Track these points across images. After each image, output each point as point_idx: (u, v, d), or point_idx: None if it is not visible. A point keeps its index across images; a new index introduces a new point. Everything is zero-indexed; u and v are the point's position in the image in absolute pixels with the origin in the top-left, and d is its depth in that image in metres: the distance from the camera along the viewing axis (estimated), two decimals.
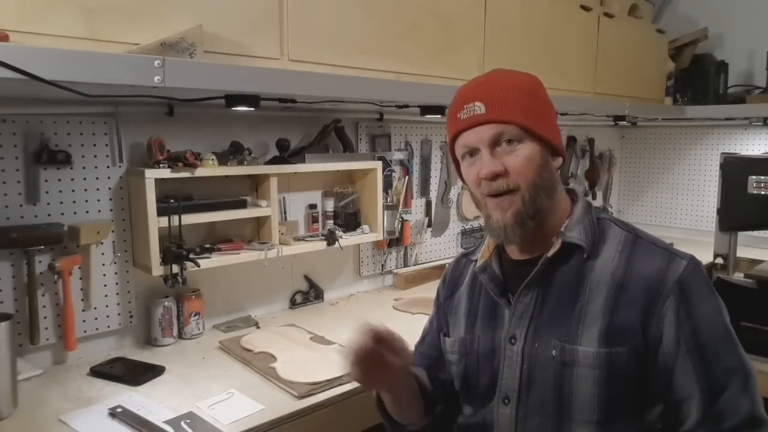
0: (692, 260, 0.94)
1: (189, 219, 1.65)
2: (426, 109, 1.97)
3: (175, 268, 1.60)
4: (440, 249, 2.60)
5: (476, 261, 1.10)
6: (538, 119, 0.96)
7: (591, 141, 3.35)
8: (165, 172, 1.58)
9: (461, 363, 1.08)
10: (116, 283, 1.66)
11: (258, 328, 1.86)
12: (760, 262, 2.36)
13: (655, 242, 0.99)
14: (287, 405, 1.33)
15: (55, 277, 1.51)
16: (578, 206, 1.02)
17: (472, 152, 0.98)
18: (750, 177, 2.09)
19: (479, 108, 0.95)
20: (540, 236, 0.99)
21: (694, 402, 0.90)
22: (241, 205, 1.80)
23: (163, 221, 1.59)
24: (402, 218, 2.32)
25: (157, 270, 1.58)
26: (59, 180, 1.54)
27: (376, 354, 0.93)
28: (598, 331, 0.93)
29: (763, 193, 2.07)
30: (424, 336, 1.23)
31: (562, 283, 0.98)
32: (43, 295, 1.52)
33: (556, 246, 0.97)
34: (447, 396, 1.14)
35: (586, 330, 0.93)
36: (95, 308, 1.62)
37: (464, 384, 1.09)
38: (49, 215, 1.53)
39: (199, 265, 1.64)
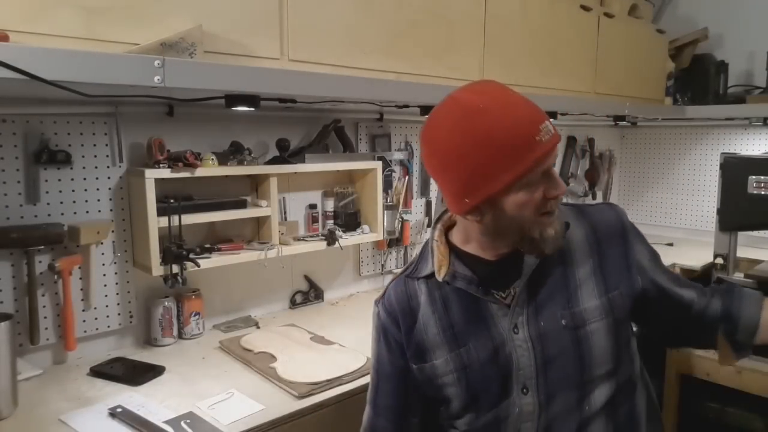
0: (603, 202, 1.12)
1: (189, 219, 1.65)
2: (426, 109, 1.97)
3: (175, 268, 1.60)
4: None
5: (428, 276, 1.06)
6: None
7: (591, 141, 3.35)
8: (165, 172, 1.58)
9: (462, 380, 1.03)
10: (116, 283, 1.66)
11: (258, 328, 1.86)
12: (760, 262, 2.36)
13: (588, 204, 1.16)
14: (287, 405, 1.33)
15: (55, 277, 1.51)
16: None
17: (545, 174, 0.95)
18: (750, 177, 2.09)
19: (552, 127, 0.92)
20: None
21: (683, 290, 1.10)
22: (241, 205, 1.80)
23: (163, 221, 1.59)
24: (402, 218, 2.32)
25: (157, 270, 1.58)
26: (59, 180, 1.54)
27: None
28: (594, 287, 1.03)
29: (763, 193, 2.07)
30: (376, 389, 1.13)
31: (547, 261, 1.02)
32: (43, 295, 1.52)
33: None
34: None
35: (584, 290, 1.02)
36: (95, 308, 1.62)
37: (471, 396, 1.04)
38: (49, 215, 1.53)
39: (199, 265, 1.64)
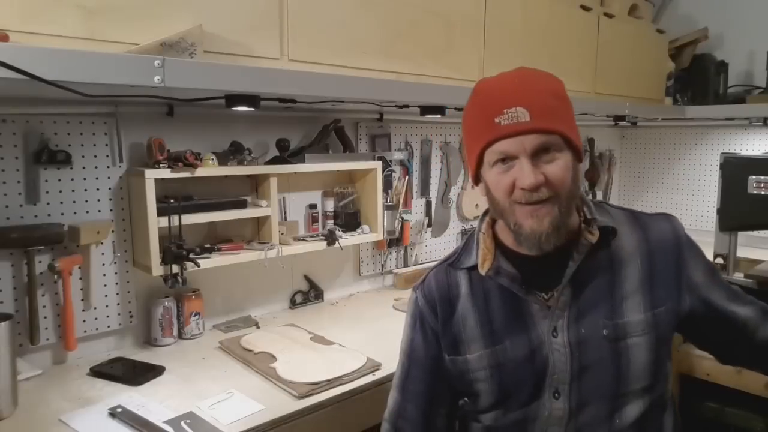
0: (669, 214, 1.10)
1: (189, 219, 1.65)
2: (426, 109, 1.97)
3: (175, 268, 1.60)
4: (440, 249, 2.60)
5: (471, 268, 1.06)
6: (572, 127, 0.95)
7: (591, 141, 3.35)
8: (165, 172, 1.58)
9: (494, 377, 1.02)
10: (116, 283, 1.66)
11: (258, 328, 1.86)
12: (760, 262, 2.36)
13: (644, 213, 1.09)
14: (287, 405, 1.33)
15: (55, 277, 1.51)
16: (584, 199, 1.05)
17: (506, 159, 0.93)
18: (750, 177, 2.09)
19: (523, 115, 0.89)
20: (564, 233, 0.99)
21: (740, 305, 1.05)
22: (241, 205, 1.80)
23: (163, 221, 1.59)
24: (402, 218, 2.32)
25: (157, 270, 1.58)
26: (59, 180, 1.54)
27: None
28: (641, 300, 0.99)
29: (763, 193, 2.07)
30: (406, 374, 1.11)
31: (594, 266, 1.00)
32: (43, 295, 1.52)
33: (595, 232, 0.99)
34: None
35: (630, 302, 0.99)
36: (95, 308, 1.62)
37: (502, 394, 1.03)
38: (49, 215, 1.53)
39: (199, 265, 1.64)
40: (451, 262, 1.10)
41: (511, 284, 1.01)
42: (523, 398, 1.01)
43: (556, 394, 0.99)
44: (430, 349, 1.09)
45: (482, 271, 1.03)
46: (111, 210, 1.63)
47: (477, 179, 1.01)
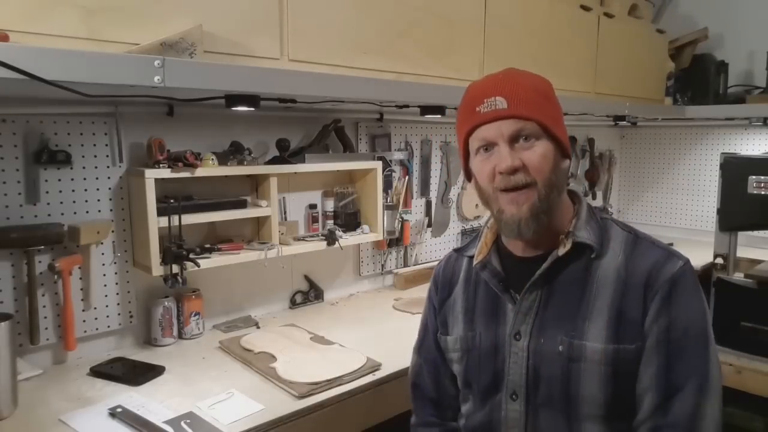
0: (688, 262, 0.97)
1: (189, 219, 1.65)
2: (426, 109, 1.97)
3: (175, 268, 1.60)
4: (440, 249, 2.60)
5: (471, 257, 1.11)
6: (554, 119, 0.98)
7: (591, 141, 3.35)
8: (165, 172, 1.58)
9: (463, 360, 1.09)
10: (116, 283, 1.66)
11: (258, 328, 1.86)
12: (760, 262, 2.36)
13: (654, 242, 1.01)
14: (287, 405, 1.33)
15: (55, 277, 1.51)
16: (583, 207, 1.04)
17: (488, 146, 0.97)
18: (750, 177, 2.09)
19: (501, 103, 0.95)
20: (545, 234, 0.99)
21: (649, 395, 0.92)
22: (241, 205, 1.80)
23: (163, 221, 1.59)
24: (402, 218, 2.32)
25: (157, 270, 1.58)
26: (59, 180, 1.54)
27: None
28: (604, 326, 0.94)
29: (763, 193, 2.07)
30: (422, 341, 1.22)
31: (568, 280, 0.99)
32: (43, 295, 1.52)
33: (567, 245, 0.98)
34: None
35: (592, 325, 0.95)
36: (95, 308, 1.62)
37: (466, 381, 1.09)
38: (49, 215, 1.53)
39: (199, 265, 1.64)
40: (459, 248, 1.19)
41: (491, 279, 1.06)
42: (482, 389, 1.05)
43: (514, 396, 1.01)
44: (434, 321, 1.19)
45: (474, 263, 1.09)
46: (111, 210, 1.63)
47: (468, 173, 1.05)
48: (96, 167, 1.60)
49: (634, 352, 0.93)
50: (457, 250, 1.19)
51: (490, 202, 1.00)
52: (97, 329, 1.63)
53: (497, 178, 0.96)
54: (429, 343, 1.19)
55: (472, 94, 0.99)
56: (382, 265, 2.38)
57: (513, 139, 0.95)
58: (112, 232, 1.63)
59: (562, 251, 0.98)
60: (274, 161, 1.89)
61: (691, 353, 0.92)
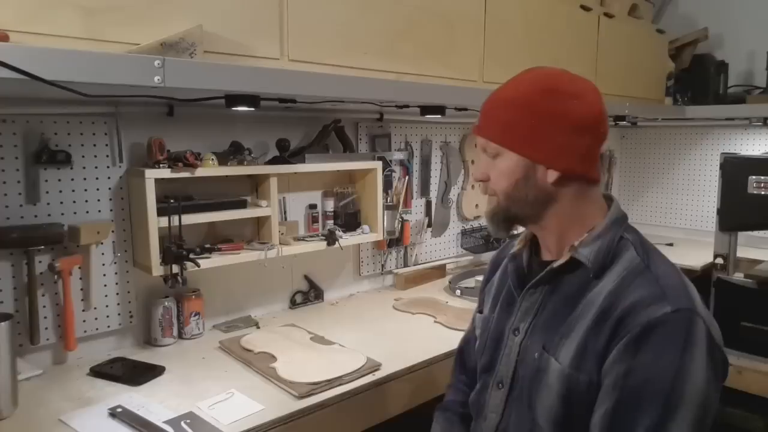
0: (680, 311, 0.84)
1: (189, 219, 1.65)
2: (426, 109, 1.97)
3: (175, 268, 1.60)
4: (440, 249, 2.60)
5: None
6: (521, 135, 0.95)
7: None
8: (165, 172, 1.58)
9: (479, 339, 1.16)
10: (116, 283, 1.66)
11: (258, 328, 1.86)
12: (760, 262, 2.36)
13: (660, 278, 0.90)
14: (287, 405, 1.33)
15: (55, 277, 1.51)
16: (603, 221, 0.98)
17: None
18: (750, 177, 2.09)
19: (478, 117, 1.03)
20: (562, 243, 1.00)
21: None
22: (241, 205, 1.80)
23: (163, 221, 1.59)
24: (402, 218, 2.32)
25: (157, 270, 1.58)
26: (59, 180, 1.54)
27: None
28: (573, 348, 0.92)
29: (763, 193, 2.07)
30: (476, 309, 1.29)
31: (565, 293, 0.99)
32: (43, 295, 1.52)
33: (564, 258, 0.97)
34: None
35: (566, 345, 0.93)
36: (95, 308, 1.62)
37: (477, 358, 1.15)
38: (49, 215, 1.53)
39: (199, 265, 1.64)
40: (515, 235, 1.19)
41: (512, 273, 1.10)
42: (481, 370, 1.11)
43: (500, 385, 1.05)
44: (480, 299, 1.26)
45: (510, 253, 1.14)
46: (111, 210, 1.63)
47: None
48: (96, 167, 1.60)
49: (586, 385, 0.89)
50: (513, 237, 1.16)
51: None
52: (97, 329, 1.63)
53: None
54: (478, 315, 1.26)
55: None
56: (382, 265, 2.38)
57: (484, 151, 1.02)
58: (112, 232, 1.63)
59: (558, 263, 0.98)
60: (274, 161, 1.89)
61: (646, 410, 0.81)
